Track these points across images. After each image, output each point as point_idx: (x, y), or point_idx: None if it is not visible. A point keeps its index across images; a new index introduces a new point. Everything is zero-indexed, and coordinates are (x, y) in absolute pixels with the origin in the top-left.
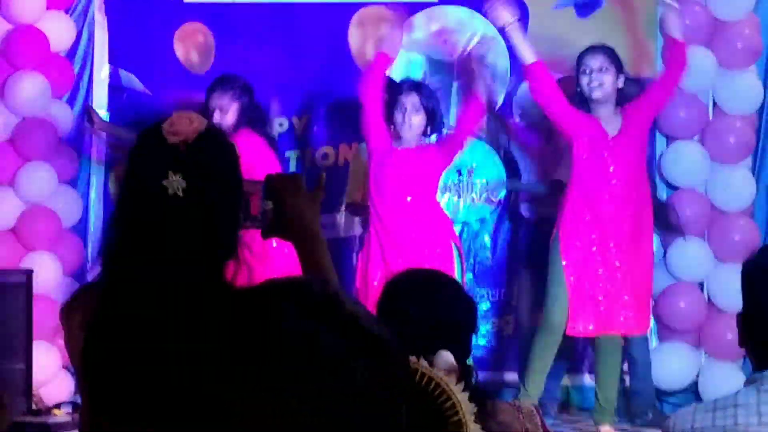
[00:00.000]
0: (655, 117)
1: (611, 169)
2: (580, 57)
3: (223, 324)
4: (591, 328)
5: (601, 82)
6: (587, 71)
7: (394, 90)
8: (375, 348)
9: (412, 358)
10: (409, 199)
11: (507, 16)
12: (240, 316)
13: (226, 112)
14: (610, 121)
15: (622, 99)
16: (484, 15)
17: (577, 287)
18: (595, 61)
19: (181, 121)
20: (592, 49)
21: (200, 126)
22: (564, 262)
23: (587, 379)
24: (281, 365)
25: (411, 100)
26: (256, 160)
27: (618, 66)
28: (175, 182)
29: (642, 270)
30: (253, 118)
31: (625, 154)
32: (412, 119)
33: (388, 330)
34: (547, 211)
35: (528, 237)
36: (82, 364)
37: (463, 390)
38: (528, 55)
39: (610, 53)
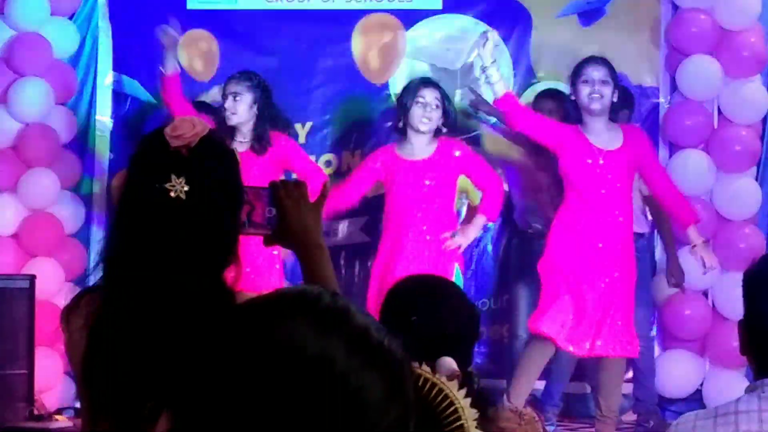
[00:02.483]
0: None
1: (603, 183)
2: (580, 67)
3: (227, 333)
4: (587, 346)
5: (602, 94)
6: (589, 81)
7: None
8: (387, 362)
9: (414, 364)
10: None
11: (488, 57)
12: (247, 328)
13: (239, 101)
14: (603, 134)
15: (613, 113)
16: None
17: (571, 305)
18: (598, 73)
19: (184, 125)
20: (593, 60)
21: (202, 131)
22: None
23: (588, 387)
24: (290, 381)
25: (433, 95)
26: (300, 164)
27: (615, 79)
28: (177, 186)
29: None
30: (275, 118)
31: (619, 170)
32: (432, 114)
33: (398, 341)
34: (541, 222)
35: (523, 246)
36: (83, 368)
37: (466, 396)
38: (500, 88)
39: (609, 66)
